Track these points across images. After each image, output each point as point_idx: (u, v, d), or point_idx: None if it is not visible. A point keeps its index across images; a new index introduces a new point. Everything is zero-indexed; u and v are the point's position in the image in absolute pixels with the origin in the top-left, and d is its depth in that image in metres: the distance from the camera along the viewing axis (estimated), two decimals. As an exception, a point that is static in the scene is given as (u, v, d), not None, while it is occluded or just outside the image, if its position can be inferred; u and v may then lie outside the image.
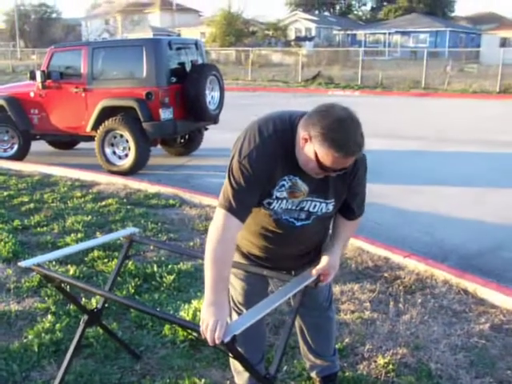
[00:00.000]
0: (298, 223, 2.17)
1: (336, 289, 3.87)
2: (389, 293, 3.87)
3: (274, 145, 2.01)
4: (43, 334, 3.20)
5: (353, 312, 3.56)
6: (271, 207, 2.12)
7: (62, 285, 2.64)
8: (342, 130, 1.86)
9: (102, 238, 3.21)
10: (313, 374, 2.79)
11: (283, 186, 2.08)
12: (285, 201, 2.11)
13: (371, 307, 3.64)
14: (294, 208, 2.14)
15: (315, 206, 2.14)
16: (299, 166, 2.02)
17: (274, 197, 2.09)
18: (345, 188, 2.16)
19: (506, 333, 3.34)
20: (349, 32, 50.27)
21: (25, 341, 3.19)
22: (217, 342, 1.81)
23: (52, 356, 3.05)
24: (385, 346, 3.16)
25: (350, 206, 2.25)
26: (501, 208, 6.21)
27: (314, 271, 2.20)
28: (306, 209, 2.14)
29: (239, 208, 2.01)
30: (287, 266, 2.40)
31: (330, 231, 2.36)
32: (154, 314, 2.21)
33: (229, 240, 2.00)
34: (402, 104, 17.88)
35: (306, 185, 2.08)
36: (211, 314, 1.87)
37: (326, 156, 1.89)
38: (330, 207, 2.16)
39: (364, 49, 31.38)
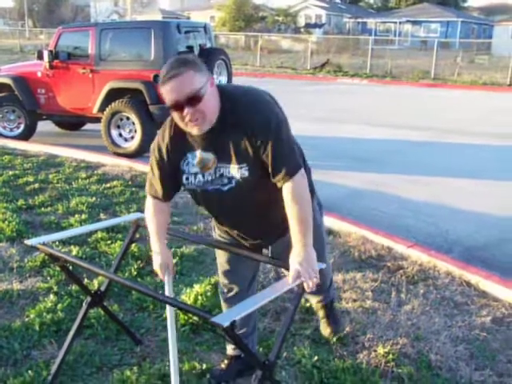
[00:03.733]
0: (225, 188, 2.22)
1: (338, 277, 3.87)
2: (391, 283, 3.86)
3: (162, 136, 2.27)
4: (45, 314, 3.22)
5: (354, 301, 3.55)
6: (190, 182, 2.26)
7: (67, 265, 2.64)
8: (164, 67, 2.09)
9: (108, 222, 3.20)
10: (316, 305, 2.97)
11: (189, 162, 2.24)
12: (200, 175, 2.23)
13: (373, 296, 3.63)
14: (214, 177, 2.22)
15: (228, 171, 2.19)
16: (196, 141, 2.18)
17: (187, 172, 2.25)
18: (256, 152, 2.11)
19: (507, 326, 3.33)
20: (359, 20, 49.88)
21: (26, 320, 3.20)
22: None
23: (53, 335, 3.07)
24: (385, 335, 3.16)
25: (273, 165, 2.14)
26: (507, 201, 6.17)
27: (291, 279, 2.08)
28: (224, 174, 2.20)
29: (151, 189, 2.37)
30: (261, 241, 2.48)
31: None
32: (160, 299, 2.20)
33: (149, 218, 2.44)
34: (411, 94, 17.76)
35: (212, 153, 2.18)
36: None
37: (163, 95, 2.07)
38: (245, 172, 2.16)
39: (374, 37, 31.12)
